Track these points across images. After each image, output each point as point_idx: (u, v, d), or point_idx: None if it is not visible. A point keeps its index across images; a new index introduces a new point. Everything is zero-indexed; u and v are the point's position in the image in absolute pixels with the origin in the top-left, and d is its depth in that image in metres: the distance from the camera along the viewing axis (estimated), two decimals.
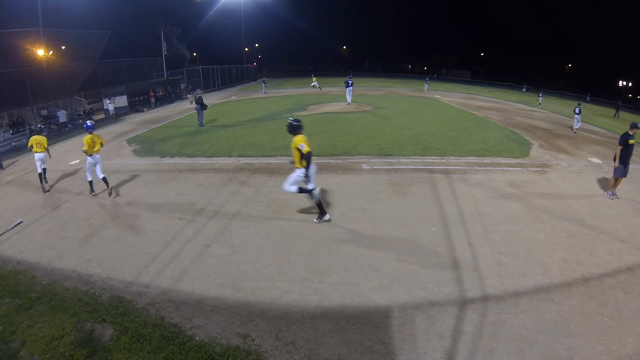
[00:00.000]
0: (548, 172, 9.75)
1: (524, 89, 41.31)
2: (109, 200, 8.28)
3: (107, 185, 8.43)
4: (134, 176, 9.89)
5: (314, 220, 6.89)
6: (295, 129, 6.43)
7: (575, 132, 15.99)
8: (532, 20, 54.04)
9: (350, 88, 21.79)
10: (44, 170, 9.22)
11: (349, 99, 21.97)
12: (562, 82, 46.79)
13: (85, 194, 8.73)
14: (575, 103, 19.04)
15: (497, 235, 6.37)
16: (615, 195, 8.12)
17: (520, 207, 7.52)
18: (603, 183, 9.05)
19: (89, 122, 8.59)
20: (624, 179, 8.18)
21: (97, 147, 8.32)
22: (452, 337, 4.11)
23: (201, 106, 16.64)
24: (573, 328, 4.23)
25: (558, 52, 52.73)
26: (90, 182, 8.52)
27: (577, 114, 16.19)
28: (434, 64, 61.96)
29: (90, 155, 8.20)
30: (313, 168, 6.52)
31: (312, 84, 31.91)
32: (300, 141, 6.22)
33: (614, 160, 8.08)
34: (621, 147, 7.96)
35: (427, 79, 35.48)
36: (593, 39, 48.18)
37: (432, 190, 8.41)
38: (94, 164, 8.35)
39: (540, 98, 29.20)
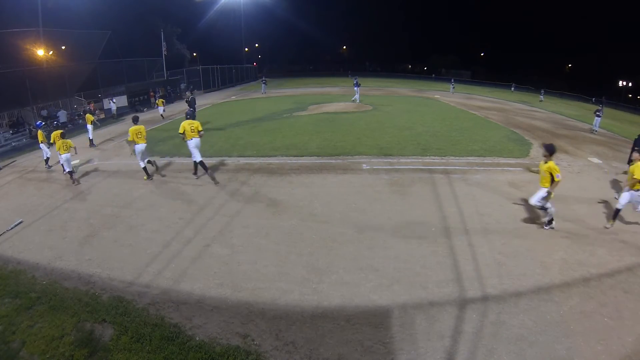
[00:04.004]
0: None
1: (512, 88, 41.54)
2: (110, 201, 8.30)
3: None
4: (134, 176, 9.88)
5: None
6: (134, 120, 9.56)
7: (594, 132, 16.53)
8: (532, 20, 54.05)
9: (357, 88, 23.53)
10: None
11: (357, 97, 23.49)
12: (562, 82, 46.73)
13: (86, 192, 8.81)
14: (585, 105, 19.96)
15: (497, 235, 6.37)
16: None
17: (520, 207, 7.52)
18: (603, 183, 9.04)
19: (38, 122, 12.28)
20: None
21: (42, 138, 11.06)
22: (452, 337, 4.12)
23: (194, 110, 16.05)
24: (573, 328, 4.23)
25: (558, 52, 52.68)
26: (46, 160, 11.16)
27: (598, 116, 16.79)
28: (434, 64, 61.79)
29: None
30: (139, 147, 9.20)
31: (159, 108, 21.54)
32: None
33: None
34: (637, 151, 7.45)
35: (452, 81, 35.23)
36: (593, 39, 48.21)
37: (432, 190, 8.41)
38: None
39: (542, 97, 31.25)
